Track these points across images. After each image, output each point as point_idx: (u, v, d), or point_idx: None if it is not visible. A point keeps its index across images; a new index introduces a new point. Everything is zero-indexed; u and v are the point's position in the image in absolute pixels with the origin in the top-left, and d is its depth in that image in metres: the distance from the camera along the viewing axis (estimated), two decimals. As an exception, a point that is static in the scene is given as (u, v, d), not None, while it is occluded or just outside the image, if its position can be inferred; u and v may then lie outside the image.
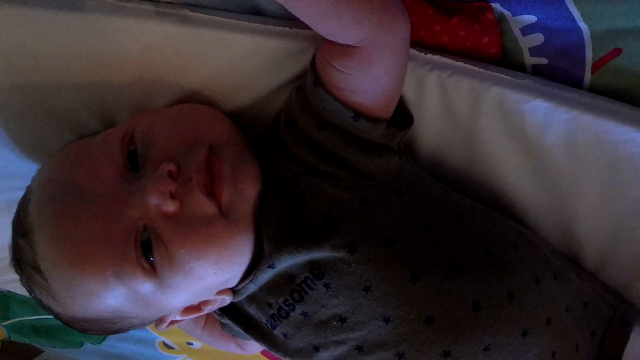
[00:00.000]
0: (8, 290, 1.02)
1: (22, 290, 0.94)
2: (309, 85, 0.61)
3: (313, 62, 0.61)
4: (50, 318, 1.02)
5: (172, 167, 0.59)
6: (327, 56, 0.59)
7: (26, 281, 0.66)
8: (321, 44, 0.60)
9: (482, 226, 0.65)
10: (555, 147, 0.64)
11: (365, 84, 0.59)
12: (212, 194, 0.60)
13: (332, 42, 0.58)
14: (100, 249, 0.59)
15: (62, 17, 0.65)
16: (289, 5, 0.55)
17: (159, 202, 0.58)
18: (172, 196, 0.58)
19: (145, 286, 0.60)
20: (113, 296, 0.60)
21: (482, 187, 0.70)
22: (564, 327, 0.64)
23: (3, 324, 1.10)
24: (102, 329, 0.66)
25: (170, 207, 0.58)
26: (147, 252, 0.59)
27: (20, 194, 0.78)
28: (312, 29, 0.64)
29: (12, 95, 0.71)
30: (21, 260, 0.65)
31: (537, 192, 0.68)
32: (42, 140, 0.76)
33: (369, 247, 0.60)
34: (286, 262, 0.62)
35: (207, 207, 0.59)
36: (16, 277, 0.89)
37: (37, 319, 1.08)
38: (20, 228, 0.64)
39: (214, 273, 0.61)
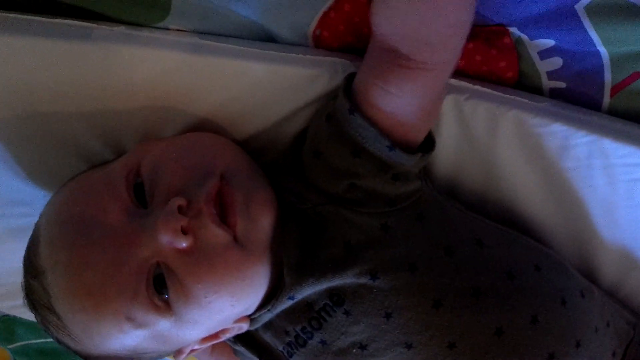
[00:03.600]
0: (14, 315, 1.01)
1: (27, 316, 0.94)
2: (342, 113, 0.60)
3: (346, 89, 0.60)
4: (57, 341, 1.03)
5: (182, 201, 0.57)
6: (377, 79, 0.57)
7: (41, 320, 0.65)
8: (367, 67, 0.59)
9: (503, 249, 0.64)
10: (574, 170, 0.64)
11: (416, 106, 0.58)
12: (226, 224, 0.59)
13: (386, 64, 0.57)
14: (113, 291, 0.57)
15: (69, 47, 0.64)
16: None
17: (170, 239, 0.56)
18: (184, 231, 0.57)
19: (162, 324, 0.59)
20: (129, 336, 0.59)
21: (499, 210, 0.69)
22: (593, 349, 0.64)
23: (8, 347, 1.09)
24: None
25: (184, 243, 0.57)
26: (161, 289, 0.58)
27: (24, 221, 0.78)
28: (325, 55, 0.64)
29: (18, 123, 0.70)
30: (35, 300, 0.64)
31: (555, 214, 0.68)
32: (48, 168, 0.74)
33: (391, 274, 0.59)
34: (306, 292, 0.61)
35: (221, 237, 0.58)
36: (19, 302, 0.88)
37: (42, 342, 1.07)
38: (32, 270, 0.63)
39: (231, 305, 0.60)
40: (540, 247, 0.67)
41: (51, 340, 1.03)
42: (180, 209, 0.57)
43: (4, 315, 1.04)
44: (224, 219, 0.59)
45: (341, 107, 0.60)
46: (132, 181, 0.61)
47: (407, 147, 0.60)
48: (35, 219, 0.78)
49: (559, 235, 0.69)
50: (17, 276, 0.83)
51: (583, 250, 0.70)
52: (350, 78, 0.61)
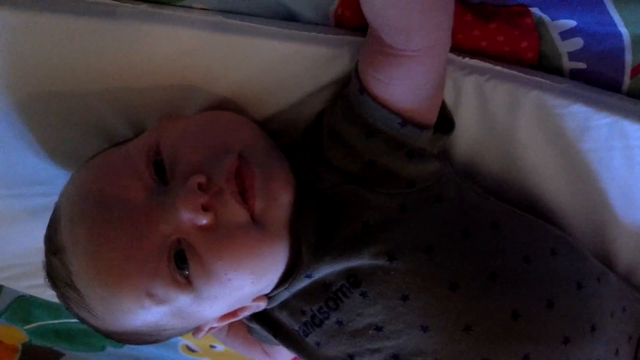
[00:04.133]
0: (30, 295, 1.02)
1: (45, 296, 0.95)
2: (353, 93, 0.61)
3: (357, 69, 0.61)
4: (73, 322, 1.04)
5: (202, 178, 0.57)
6: (369, 67, 0.58)
7: (62, 297, 0.65)
8: (363, 53, 0.59)
9: (520, 232, 0.64)
10: (593, 152, 0.64)
11: (409, 92, 0.59)
12: (244, 202, 0.59)
13: (374, 52, 0.57)
14: (134, 267, 0.58)
15: (93, 24, 0.64)
16: None
17: (191, 216, 0.57)
18: (205, 208, 0.57)
19: (182, 300, 0.60)
20: (150, 312, 0.60)
21: (518, 192, 0.70)
22: (609, 334, 0.64)
23: (25, 327, 1.09)
24: (141, 340, 0.66)
25: (204, 220, 0.57)
26: (182, 264, 0.59)
27: (43, 201, 0.78)
28: (346, 35, 0.64)
29: (38, 101, 0.70)
30: (55, 277, 0.64)
31: (573, 196, 0.68)
32: (68, 146, 0.75)
33: (408, 256, 0.60)
34: (324, 272, 0.62)
35: (241, 215, 0.58)
36: (38, 282, 0.89)
37: (58, 322, 1.07)
38: (53, 246, 0.63)
39: (251, 282, 0.61)
40: (557, 231, 0.67)
41: (67, 321, 1.06)
42: (200, 186, 0.57)
43: (21, 296, 1.04)
44: (243, 198, 0.59)
45: (353, 87, 0.61)
46: (152, 158, 0.61)
47: (421, 126, 0.60)
48: (55, 198, 0.78)
49: (576, 217, 0.69)
50: (35, 256, 0.83)
51: (600, 233, 0.70)
52: None
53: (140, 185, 0.60)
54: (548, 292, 0.61)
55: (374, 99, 0.59)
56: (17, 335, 1.13)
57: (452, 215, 0.62)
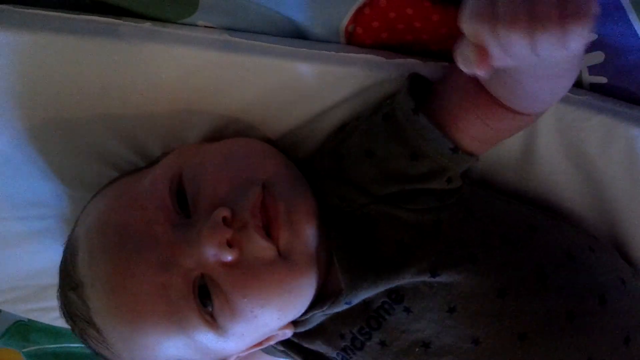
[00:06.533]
0: (29, 319, 0.99)
1: (43, 319, 0.92)
2: (405, 112, 0.58)
3: (408, 88, 0.59)
4: (73, 346, 1.01)
5: (226, 212, 0.55)
6: (480, 111, 0.57)
7: (79, 332, 0.63)
8: (464, 96, 0.58)
9: (555, 232, 0.63)
10: (614, 165, 0.63)
11: (485, 133, 0.58)
12: (269, 236, 0.57)
13: (481, 98, 0.56)
14: (158, 303, 0.56)
15: (95, 44, 0.62)
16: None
17: (216, 252, 0.55)
18: (230, 244, 0.55)
19: (206, 336, 0.57)
20: (173, 348, 0.58)
21: (536, 203, 0.68)
22: None
23: (23, 350, 1.07)
24: None
25: (229, 256, 0.55)
26: (205, 301, 0.57)
27: (43, 224, 0.77)
28: (358, 53, 0.62)
29: (39, 122, 0.68)
30: (73, 313, 0.62)
31: (593, 209, 0.67)
32: (69, 169, 0.72)
33: (451, 268, 0.58)
34: (362, 297, 0.59)
35: (267, 250, 0.56)
36: (36, 306, 0.87)
37: (58, 347, 1.05)
38: (71, 281, 0.61)
39: (278, 318, 0.59)
40: (587, 231, 0.66)
41: (67, 345, 1.03)
42: (224, 220, 0.55)
43: (19, 321, 1.02)
44: (267, 231, 0.57)
45: (404, 106, 0.58)
46: (174, 189, 0.59)
47: (471, 153, 0.59)
48: (55, 221, 0.77)
49: (596, 229, 0.68)
50: (34, 279, 0.82)
51: (621, 245, 0.68)
52: (413, 78, 0.60)
53: (163, 218, 0.57)
54: (599, 288, 0.59)
55: (431, 119, 0.57)
56: (15, 358, 1.10)
57: (486, 224, 0.61)
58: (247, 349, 0.64)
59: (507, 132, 0.59)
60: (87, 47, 0.62)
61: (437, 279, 0.57)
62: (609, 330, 0.58)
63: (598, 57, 0.60)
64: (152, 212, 0.58)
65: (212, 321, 0.57)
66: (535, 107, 0.56)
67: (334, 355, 0.64)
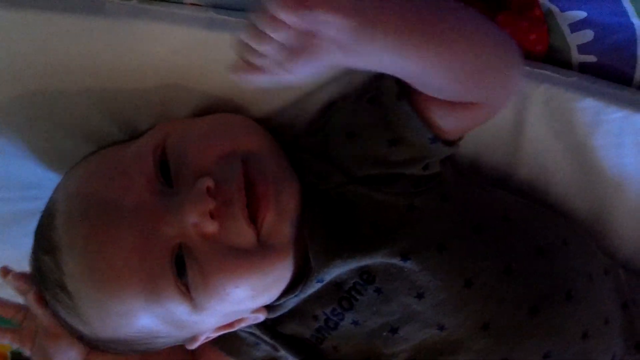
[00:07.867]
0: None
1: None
2: (389, 97, 0.58)
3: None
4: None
5: (210, 183, 0.55)
6: (426, 102, 0.57)
7: (49, 298, 0.62)
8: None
9: (530, 223, 0.63)
10: (603, 147, 0.63)
11: (459, 122, 0.59)
12: (253, 217, 0.57)
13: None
14: (135, 269, 0.55)
15: (80, 21, 0.61)
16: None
17: (198, 221, 0.55)
18: (212, 216, 0.55)
19: (181, 308, 0.57)
20: (146, 317, 0.58)
21: (523, 186, 0.69)
22: (620, 326, 0.63)
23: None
24: (130, 349, 0.63)
25: (210, 227, 0.55)
26: (181, 271, 0.56)
27: (31, 205, 0.75)
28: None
29: (25, 101, 0.67)
30: (45, 278, 0.61)
31: (582, 192, 0.67)
32: (57, 149, 0.72)
33: (421, 254, 0.58)
34: (335, 273, 0.60)
35: (247, 237, 0.56)
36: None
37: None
38: (46, 244, 0.60)
39: (251, 297, 0.59)
40: (564, 220, 0.66)
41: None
42: (208, 191, 0.55)
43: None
44: (252, 211, 0.57)
45: (389, 90, 0.58)
46: (158, 159, 0.59)
47: (449, 142, 0.60)
48: (44, 202, 0.76)
49: (584, 211, 0.68)
50: (19, 264, 0.81)
51: (604, 227, 0.69)
52: None
53: (146, 185, 0.57)
54: (566, 284, 0.60)
55: (414, 107, 0.57)
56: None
57: (460, 212, 0.61)
58: (218, 329, 0.64)
59: (475, 120, 0.59)
60: (73, 24, 0.61)
61: (408, 263, 0.58)
62: (571, 325, 0.59)
63: (587, 35, 0.59)
64: (135, 180, 0.57)
65: (187, 292, 0.56)
66: (470, 96, 0.56)
67: (309, 336, 0.64)
